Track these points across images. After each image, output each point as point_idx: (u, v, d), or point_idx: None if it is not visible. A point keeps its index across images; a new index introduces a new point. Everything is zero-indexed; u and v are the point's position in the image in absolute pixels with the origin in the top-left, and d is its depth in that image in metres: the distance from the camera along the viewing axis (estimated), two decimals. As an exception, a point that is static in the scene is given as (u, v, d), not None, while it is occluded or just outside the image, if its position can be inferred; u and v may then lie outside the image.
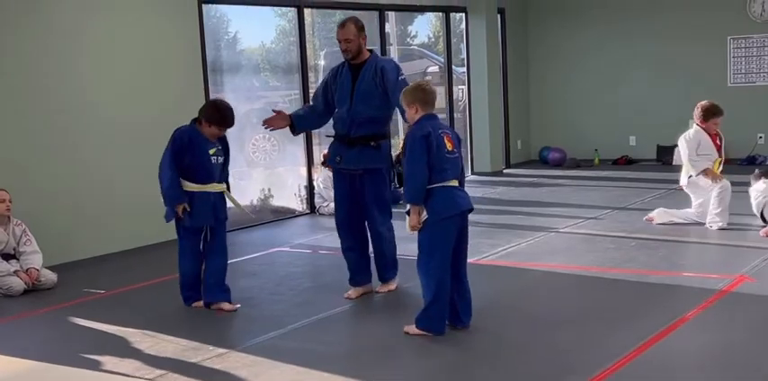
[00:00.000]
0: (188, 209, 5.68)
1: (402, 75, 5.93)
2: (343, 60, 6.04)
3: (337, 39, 5.96)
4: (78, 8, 7.63)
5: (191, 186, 5.71)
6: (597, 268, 6.59)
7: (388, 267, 6.13)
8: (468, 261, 6.82)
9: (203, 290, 5.90)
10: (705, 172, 7.86)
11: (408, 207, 5.01)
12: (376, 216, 5.97)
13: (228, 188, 6.00)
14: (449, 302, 5.08)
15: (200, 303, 5.84)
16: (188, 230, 5.79)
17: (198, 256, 5.85)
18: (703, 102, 8.10)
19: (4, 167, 7.07)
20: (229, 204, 6.01)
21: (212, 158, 5.76)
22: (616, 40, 13.02)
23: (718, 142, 8.04)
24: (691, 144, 7.93)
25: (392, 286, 6.14)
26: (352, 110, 5.90)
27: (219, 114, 5.75)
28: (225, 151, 5.92)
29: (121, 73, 7.99)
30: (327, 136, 6.21)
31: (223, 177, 5.93)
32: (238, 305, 5.89)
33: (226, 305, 5.86)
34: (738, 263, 6.51)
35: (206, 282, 5.89)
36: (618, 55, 13.04)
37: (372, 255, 6.15)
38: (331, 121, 6.16)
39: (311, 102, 6.37)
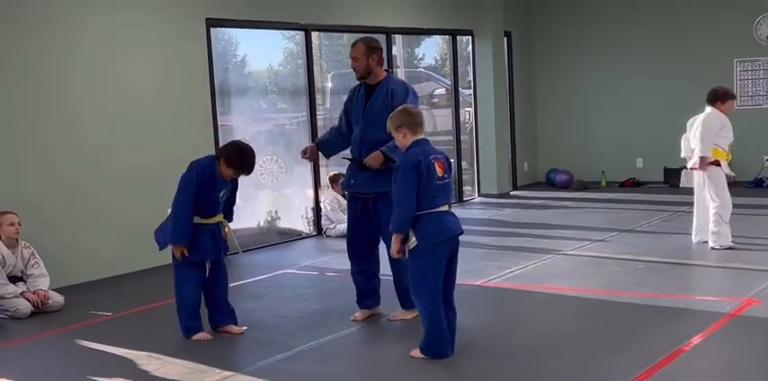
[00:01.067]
0: (186, 255, 5.61)
1: (409, 101, 5.76)
2: (362, 81, 6.04)
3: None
4: (88, 29, 7.69)
5: (195, 219, 5.63)
6: (604, 291, 6.58)
7: (409, 295, 5.93)
8: (476, 283, 6.88)
9: (211, 314, 5.88)
10: (703, 161, 7.79)
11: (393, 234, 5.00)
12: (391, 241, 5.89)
13: (231, 219, 5.96)
14: (442, 322, 5.03)
15: (201, 335, 5.73)
16: (192, 265, 5.70)
17: (200, 284, 5.76)
18: (717, 86, 8.06)
19: (9, 191, 7.10)
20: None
21: (221, 196, 5.75)
22: (622, 62, 13.05)
23: None
24: (715, 125, 7.81)
25: (408, 316, 5.96)
26: (363, 131, 5.90)
27: (242, 159, 5.60)
28: (233, 189, 5.87)
29: (130, 96, 8.03)
30: (344, 158, 6.20)
31: (227, 211, 5.92)
32: (245, 328, 5.89)
33: (234, 328, 5.85)
34: (746, 286, 6.48)
35: (213, 306, 5.87)
36: (624, 76, 13.08)
37: (392, 280, 5.99)
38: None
39: (336, 123, 6.34)
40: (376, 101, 5.87)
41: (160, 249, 5.82)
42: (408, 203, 4.92)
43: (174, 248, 5.64)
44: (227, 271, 5.95)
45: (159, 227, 5.82)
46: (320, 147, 6.23)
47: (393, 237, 5.01)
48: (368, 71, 5.91)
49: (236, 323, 5.89)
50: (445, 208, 5.03)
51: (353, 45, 5.94)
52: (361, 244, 6.01)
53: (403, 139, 5.06)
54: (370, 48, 5.89)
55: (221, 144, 8.65)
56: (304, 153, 6.20)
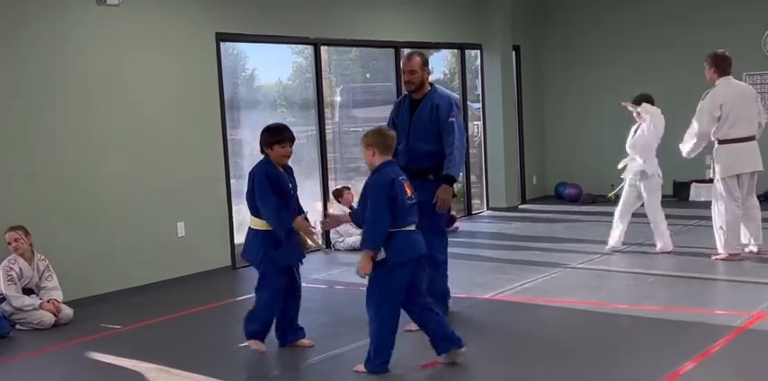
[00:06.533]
0: (312, 226, 5.67)
1: (453, 116, 5.93)
2: (406, 93, 6.19)
3: (402, 71, 6.09)
4: (97, 46, 7.73)
5: None
6: (613, 304, 6.56)
7: (442, 298, 5.96)
8: (484, 296, 6.88)
9: (286, 331, 5.74)
10: None
11: (363, 251, 5.00)
12: (435, 245, 5.79)
13: (307, 219, 5.78)
14: (393, 340, 5.05)
15: (260, 345, 5.57)
16: (280, 271, 5.61)
17: (285, 295, 5.68)
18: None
19: (21, 204, 7.13)
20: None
21: (292, 192, 5.66)
22: (631, 76, 13.03)
23: None
24: None
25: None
26: (410, 144, 6.02)
27: (275, 130, 5.64)
28: (294, 182, 5.78)
29: (139, 110, 8.06)
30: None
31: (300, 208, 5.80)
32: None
33: (305, 341, 5.78)
34: (756, 299, 6.46)
35: (288, 322, 5.74)
36: (633, 90, 12.97)
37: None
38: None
39: None
40: (422, 113, 6.02)
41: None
42: (382, 221, 4.95)
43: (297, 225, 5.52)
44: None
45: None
46: None
47: (363, 255, 4.97)
48: (422, 84, 6.03)
49: (304, 337, 5.82)
50: (413, 227, 5.11)
51: (409, 58, 6.04)
52: None
53: (372, 158, 5.12)
54: (426, 62, 6.06)
55: (230, 156, 8.76)
56: None
